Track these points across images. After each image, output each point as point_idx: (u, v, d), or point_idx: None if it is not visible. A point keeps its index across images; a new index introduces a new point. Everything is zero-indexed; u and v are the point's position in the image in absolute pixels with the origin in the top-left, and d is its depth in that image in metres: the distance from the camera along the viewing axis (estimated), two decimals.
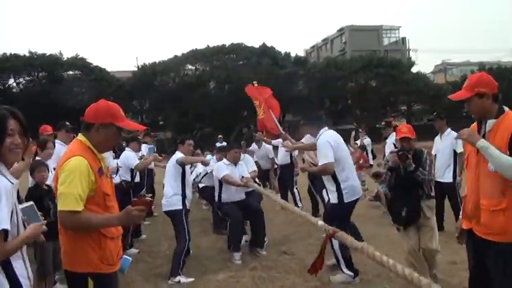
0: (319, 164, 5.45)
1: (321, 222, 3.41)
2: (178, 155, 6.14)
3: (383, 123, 15.04)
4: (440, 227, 7.34)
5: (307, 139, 7.43)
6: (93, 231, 2.74)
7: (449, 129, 7.47)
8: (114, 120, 2.85)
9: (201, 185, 8.53)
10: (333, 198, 5.43)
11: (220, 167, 6.86)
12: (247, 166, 7.33)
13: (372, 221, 8.37)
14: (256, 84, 8.68)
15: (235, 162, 6.92)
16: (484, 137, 3.11)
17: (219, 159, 7.68)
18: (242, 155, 7.35)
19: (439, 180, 7.32)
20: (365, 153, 11.90)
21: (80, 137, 2.90)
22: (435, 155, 7.36)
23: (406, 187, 4.87)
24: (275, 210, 10.28)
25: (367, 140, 12.43)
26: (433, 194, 5.05)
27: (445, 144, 7.42)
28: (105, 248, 2.76)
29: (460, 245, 6.18)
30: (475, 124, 3.33)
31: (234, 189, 6.74)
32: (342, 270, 5.42)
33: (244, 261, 6.28)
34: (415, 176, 4.79)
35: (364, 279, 5.42)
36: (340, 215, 5.35)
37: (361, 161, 11.65)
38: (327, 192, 5.69)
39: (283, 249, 6.78)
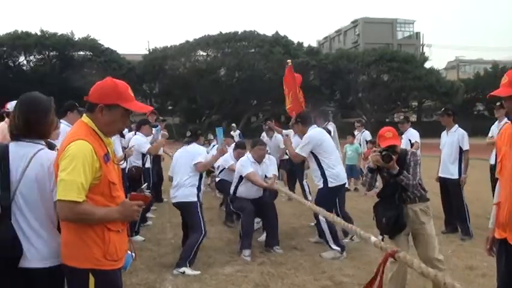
0: (296, 150, 6.30)
1: (373, 238, 3.02)
2: (199, 150, 5.98)
3: (401, 117, 14.74)
4: (454, 229, 7.28)
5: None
6: (96, 224, 2.45)
7: (456, 126, 7.34)
8: (120, 101, 2.53)
9: (217, 179, 8.31)
10: (320, 184, 6.18)
11: (245, 163, 6.50)
12: (271, 165, 6.96)
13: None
14: (290, 64, 8.48)
15: (259, 160, 6.60)
16: None
17: (238, 156, 7.29)
18: (267, 156, 7.00)
19: (442, 176, 7.34)
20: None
21: (85, 118, 2.58)
22: (441, 150, 7.47)
23: (388, 192, 4.37)
24: (282, 202, 10.08)
25: (365, 134, 12.18)
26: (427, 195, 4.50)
27: (451, 140, 7.30)
28: (109, 242, 2.47)
29: (476, 249, 6.07)
30: (507, 126, 3.06)
31: (254, 188, 6.46)
32: (331, 247, 6.04)
33: (253, 255, 6.03)
34: (398, 180, 4.23)
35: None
36: (327, 198, 6.10)
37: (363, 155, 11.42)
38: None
39: (293, 244, 6.54)
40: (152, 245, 6.64)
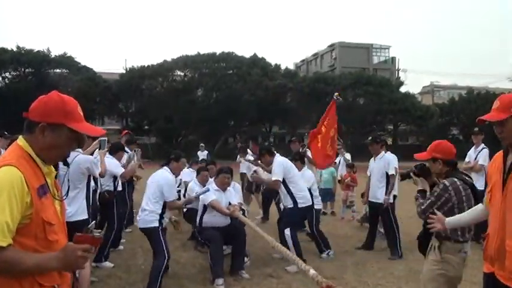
0: (273, 178, 6.94)
1: (312, 271, 2.92)
2: (163, 174, 5.79)
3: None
4: (371, 246, 7.83)
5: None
6: (24, 278, 1.88)
7: (383, 152, 7.77)
8: (67, 121, 2.04)
9: (185, 209, 8.04)
10: (289, 204, 6.84)
11: (208, 192, 6.41)
12: (236, 194, 6.92)
13: (361, 244, 7.96)
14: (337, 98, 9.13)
15: (223, 188, 6.50)
16: (509, 170, 2.75)
17: (203, 180, 7.41)
18: (232, 183, 6.94)
19: (372, 200, 7.79)
20: (354, 172, 11.57)
21: (20, 140, 2.05)
22: (369, 176, 7.95)
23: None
24: (262, 227, 9.88)
25: (347, 156, 12.11)
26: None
27: (378, 166, 7.70)
28: None
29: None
30: (499, 154, 2.94)
31: (220, 216, 6.30)
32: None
33: (227, 283, 5.79)
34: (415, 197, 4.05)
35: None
36: (295, 216, 6.90)
37: (347, 180, 11.31)
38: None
39: (269, 271, 6.32)
40: (121, 272, 6.34)
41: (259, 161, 7.83)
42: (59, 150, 2.09)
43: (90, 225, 2.06)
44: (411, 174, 4.13)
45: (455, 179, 3.76)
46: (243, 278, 6.05)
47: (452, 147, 3.95)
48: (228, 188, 6.60)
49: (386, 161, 7.63)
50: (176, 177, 6.48)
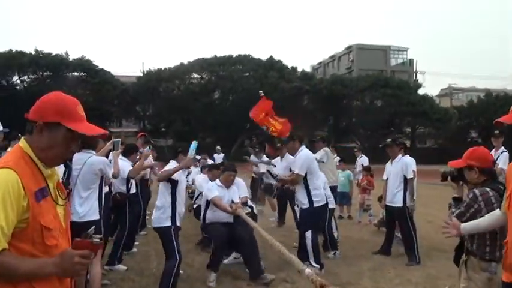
0: (296, 171, 6.69)
1: (308, 270, 2.88)
2: (171, 165, 5.63)
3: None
4: (388, 252, 7.65)
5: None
6: (20, 283, 1.80)
7: (400, 156, 7.60)
8: (63, 119, 1.94)
9: (195, 205, 8.02)
10: (305, 204, 6.64)
11: (212, 188, 6.44)
12: (239, 190, 6.84)
13: (377, 249, 7.79)
14: (262, 95, 9.52)
15: (227, 185, 6.49)
16: None
17: (213, 178, 7.18)
18: (236, 179, 6.87)
19: (389, 204, 7.62)
20: (370, 175, 11.41)
21: (22, 142, 1.99)
22: (386, 179, 7.77)
23: None
24: (271, 228, 9.78)
25: (363, 159, 11.95)
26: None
27: (396, 170, 7.52)
28: None
29: None
30: None
31: (222, 213, 6.28)
32: (311, 263, 6.29)
33: None
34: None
35: None
36: (312, 217, 6.65)
37: (363, 183, 11.15)
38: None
39: (283, 276, 6.20)
40: (135, 275, 6.30)
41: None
42: (57, 150, 1.99)
43: (89, 231, 1.94)
44: (449, 178, 3.91)
45: (488, 189, 3.46)
46: (259, 283, 5.94)
47: (489, 154, 3.73)
48: (232, 186, 6.60)
49: (404, 164, 7.46)
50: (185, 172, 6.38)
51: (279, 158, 10.17)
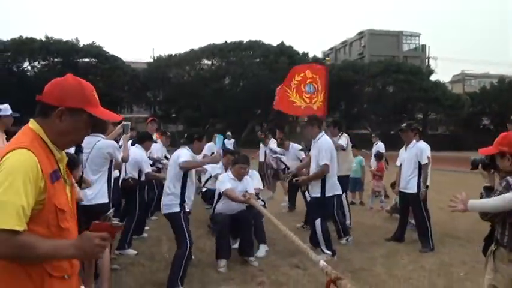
0: (321, 163, 6.39)
1: (322, 262, 2.77)
2: (183, 152, 5.53)
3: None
4: (401, 238, 7.53)
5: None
6: (33, 268, 1.79)
7: (414, 141, 7.44)
8: (86, 105, 1.97)
9: (204, 189, 7.93)
10: (316, 192, 6.46)
11: (224, 180, 6.36)
12: (253, 181, 6.82)
13: (390, 235, 7.69)
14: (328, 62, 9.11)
15: (239, 178, 6.43)
16: None
17: (227, 162, 7.14)
18: (250, 171, 6.82)
19: (403, 190, 7.50)
20: (383, 161, 11.28)
21: (32, 123, 1.95)
22: (400, 165, 7.63)
23: None
24: (283, 213, 9.73)
25: (379, 146, 11.80)
26: None
27: (410, 155, 7.40)
28: None
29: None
30: None
31: (234, 204, 6.23)
32: (322, 250, 6.31)
33: (251, 274, 5.66)
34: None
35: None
36: (324, 206, 6.49)
37: (372, 169, 11.04)
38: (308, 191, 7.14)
39: (295, 261, 6.14)
40: (145, 260, 6.26)
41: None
42: (75, 136, 2.04)
43: (108, 213, 2.04)
44: (480, 166, 3.63)
45: None
46: (268, 268, 5.90)
47: None
48: (246, 177, 6.54)
49: (418, 150, 7.30)
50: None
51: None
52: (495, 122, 51.54)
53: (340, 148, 7.99)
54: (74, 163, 3.51)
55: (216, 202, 6.42)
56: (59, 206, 1.87)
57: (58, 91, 1.95)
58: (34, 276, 1.79)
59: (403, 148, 7.61)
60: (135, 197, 6.78)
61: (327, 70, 9.44)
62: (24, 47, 41.71)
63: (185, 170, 5.29)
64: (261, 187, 7.36)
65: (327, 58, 11.26)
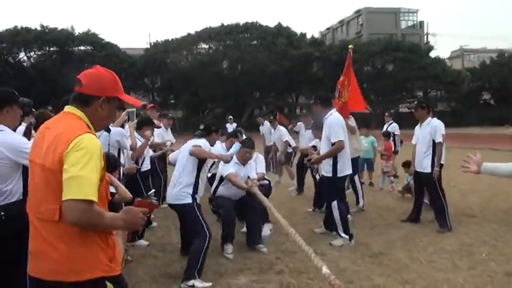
0: (334, 140, 6.14)
1: (325, 270, 2.91)
2: (200, 141, 5.28)
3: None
4: (417, 219, 7.34)
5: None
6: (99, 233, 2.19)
7: (429, 119, 7.26)
8: (119, 93, 2.36)
9: (209, 174, 7.73)
10: (328, 172, 6.29)
11: (227, 164, 6.08)
12: (257, 166, 6.67)
13: (405, 217, 7.50)
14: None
15: (244, 162, 6.25)
16: None
17: (230, 145, 6.92)
18: (255, 155, 6.67)
19: (417, 170, 7.33)
20: (391, 140, 11.07)
21: (75, 111, 2.26)
22: (415, 144, 7.41)
23: None
24: (292, 199, 9.55)
25: (393, 126, 11.58)
26: None
27: (424, 133, 7.22)
28: (113, 246, 2.27)
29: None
30: None
31: (235, 188, 6.03)
32: (340, 235, 6.22)
33: (269, 262, 5.46)
34: None
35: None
36: (335, 186, 6.32)
37: (380, 149, 10.82)
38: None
39: (313, 248, 5.92)
40: (157, 251, 6.05)
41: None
42: (110, 120, 2.52)
43: (150, 193, 2.57)
44: None
45: None
46: (285, 256, 5.71)
47: None
48: (250, 161, 6.38)
49: (433, 128, 7.09)
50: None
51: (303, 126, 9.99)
52: (495, 96, 51.28)
53: (352, 131, 7.79)
54: (113, 165, 3.90)
55: (217, 185, 6.23)
56: (108, 180, 2.31)
57: (97, 83, 2.28)
58: (101, 234, 2.20)
59: (418, 125, 7.40)
60: (140, 190, 6.51)
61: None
62: (19, 37, 41.21)
63: (195, 155, 5.11)
64: (264, 171, 7.15)
65: (350, 46, 11.15)
